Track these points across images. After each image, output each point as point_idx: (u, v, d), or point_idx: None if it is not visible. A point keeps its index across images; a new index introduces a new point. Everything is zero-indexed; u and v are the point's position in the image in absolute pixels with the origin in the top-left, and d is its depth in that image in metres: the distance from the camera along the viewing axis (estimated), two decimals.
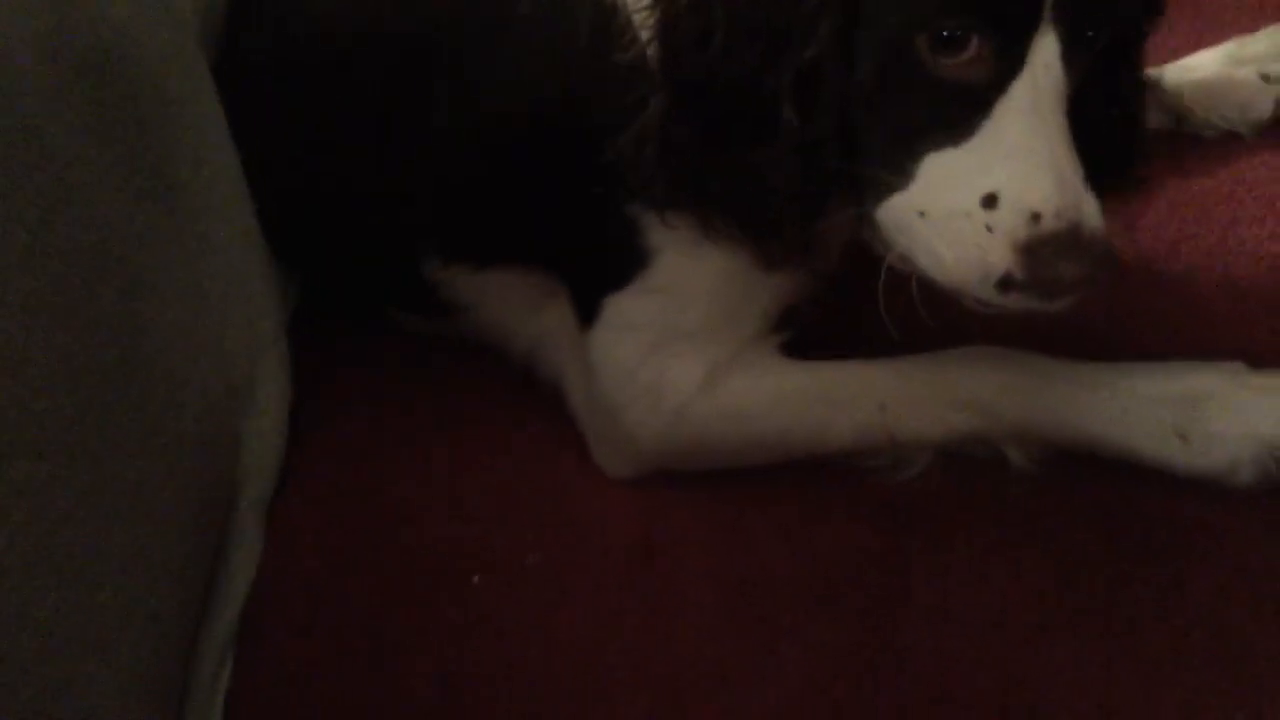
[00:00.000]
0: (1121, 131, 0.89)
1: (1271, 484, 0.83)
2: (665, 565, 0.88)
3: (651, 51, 0.80)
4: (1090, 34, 0.76)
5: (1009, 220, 0.73)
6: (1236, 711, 0.75)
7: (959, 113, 0.75)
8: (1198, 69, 1.19)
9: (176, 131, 0.88)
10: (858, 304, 0.86)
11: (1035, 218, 0.72)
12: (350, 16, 1.00)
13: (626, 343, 0.91)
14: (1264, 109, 1.17)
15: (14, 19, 0.72)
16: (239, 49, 1.04)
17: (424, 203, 0.97)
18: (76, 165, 0.74)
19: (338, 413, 1.04)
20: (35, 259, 0.68)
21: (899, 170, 0.76)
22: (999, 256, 0.73)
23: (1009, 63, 0.74)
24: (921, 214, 0.76)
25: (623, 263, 0.89)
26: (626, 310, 0.90)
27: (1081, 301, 0.75)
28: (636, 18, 0.81)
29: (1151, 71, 0.99)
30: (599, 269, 0.91)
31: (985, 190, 0.74)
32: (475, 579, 0.89)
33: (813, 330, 0.95)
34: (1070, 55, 0.75)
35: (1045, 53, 0.74)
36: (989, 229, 0.73)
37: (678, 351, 0.90)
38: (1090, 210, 0.73)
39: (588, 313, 0.92)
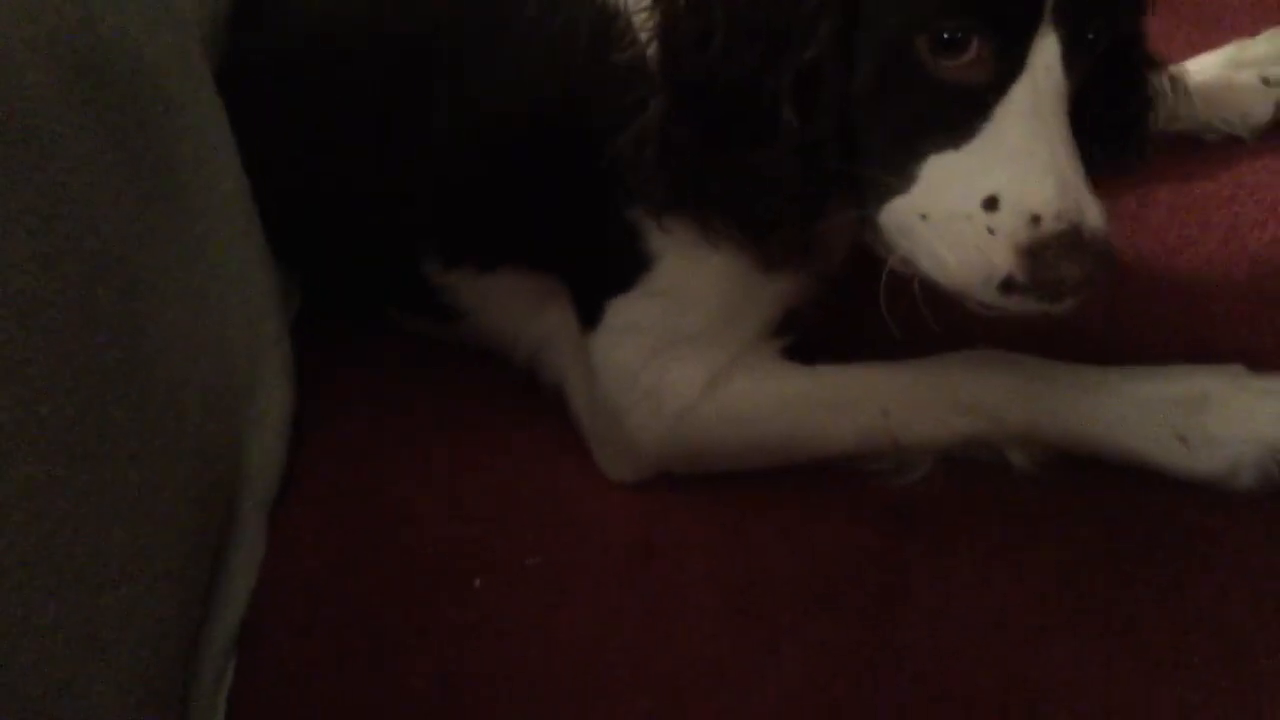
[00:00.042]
0: (1122, 131, 0.89)
1: (1272, 487, 0.84)
2: (665, 566, 0.88)
3: (651, 52, 0.80)
4: (1091, 36, 0.76)
5: (1010, 222, 0.73)
6: (1236, 712, 0.75)
7: (959, 115, 0.75)
8: (1198, 72, 1.18)
9: (177, 132, 0.88)
10: (860, 307, 0.86)
11: (1036, 220, 0.72)
12: (350, 17, 1.00)
13: (628, 346, 0.91)
14: (1264, 112, 1.17)
15: (15, 20, 0.71)
16: (240, 50, 1.05)
17: (424, 203, 0.97)
18: (77, 166, 0.73)
19: (338, 413, 1.04)
20: (35, 259, 0.67)
21: (900, 172, 0.76)
22: (1001, 259, 0.73)
23: (1009, 64, 0.74)
24: (923, 217, 0.76)
25: (624, 266, 0.89)
26: (628, 313, 0.90)
27: (1083, 304, 0.75)
28: (636, 19, 0.81)
29: (1173, 68, 0.99)
30: (601, 272, 0.91)
31: (986, 193, 0.74)
32: (476, 582, 0.89)
33: (815, 333, 0.95)
34: (1071, 57, 0.75)
35: (1046, 54, 0.74)
36: (990, 231, 0.73)
37: (680, 355, 0.90)
38: (1091, 211, 0.73)
39: (589, 316, 0.92)
